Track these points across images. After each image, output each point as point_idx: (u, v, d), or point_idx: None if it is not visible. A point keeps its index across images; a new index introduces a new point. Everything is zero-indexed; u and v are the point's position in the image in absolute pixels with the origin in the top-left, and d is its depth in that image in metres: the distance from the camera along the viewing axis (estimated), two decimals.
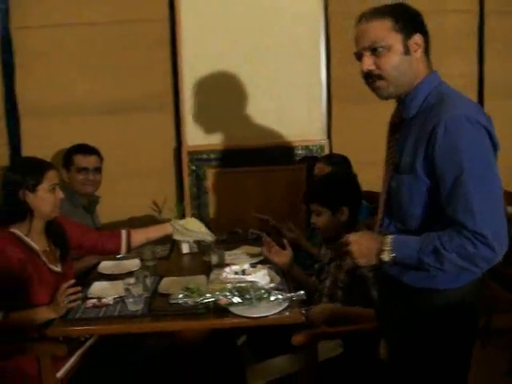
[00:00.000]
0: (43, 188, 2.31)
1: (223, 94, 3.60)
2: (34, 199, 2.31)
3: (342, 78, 3.65)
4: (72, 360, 2.34)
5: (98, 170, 3.21)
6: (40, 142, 3.51)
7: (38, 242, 2.37)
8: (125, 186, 3.70)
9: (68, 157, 3.16)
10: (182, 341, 2.51)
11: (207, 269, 2.76)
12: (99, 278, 2.74)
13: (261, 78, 3.60)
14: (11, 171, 2.34)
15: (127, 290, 2.29)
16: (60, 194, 2.38)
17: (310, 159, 3.63)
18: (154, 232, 2.86)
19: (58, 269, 2.42)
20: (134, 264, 2.89)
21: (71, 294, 2.26)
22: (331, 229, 2.48)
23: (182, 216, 3.62)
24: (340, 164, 3.17)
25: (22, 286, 2.26)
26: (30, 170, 2.31)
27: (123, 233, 2.78)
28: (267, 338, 2.45)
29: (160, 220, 3.72)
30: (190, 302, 2.21)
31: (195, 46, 3.55)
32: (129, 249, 2.80)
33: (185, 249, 3.13)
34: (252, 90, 3.60)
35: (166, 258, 3.07)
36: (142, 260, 2.93)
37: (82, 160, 3.15)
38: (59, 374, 2.27)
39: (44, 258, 2.37)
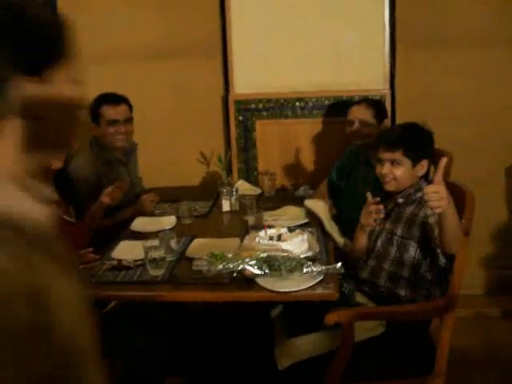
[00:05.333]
0: None
1: (274, 37, 3.27)
2: None
3: (410, 20, 3.24)
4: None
5: (129, 120, 2.93)
6: (86, 90, 3.33)
7: None
8: (171, 136, 3.50)
9: (95, 109, 2.88)
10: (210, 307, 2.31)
11: (245, 230, 2.55)
12: (130, 236, 2.57)
13: (315, 20, 3.24)
14: None
15: (146, 253, 2.10)
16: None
17: None
18: None
19: (71, 219, 2.34)
20: (169, 221, 2.71)
21: (89, 262, 2.10)
22: (406, 182, 2.24)
23: (229, 170, 3.41)
24: (383, 108, 2.97)
25: None
26: None
27: None
28: (304, 310, 2.21)
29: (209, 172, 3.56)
30: (212, 269, 1.99)
31: None
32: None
33: (225, 206, 2.91)
34: (306, 33, 3.25)
35: (204, 215, 2.87)
36: (178, 217, 2.75)
37: (111, 112, 2.87)
38: None
39: (59, 207, 2.28)
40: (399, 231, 2.23)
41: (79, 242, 2.34)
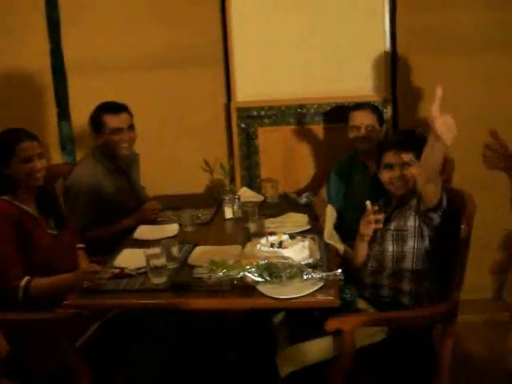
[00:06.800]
0: (16, 160, 2.26)
1: (275, 45, 3.30)
2: (11, 171, 2.27)
3: (411, 27, 3.24)
4: (92, 329, 2.23)
5: (132, 127, 2.95)
6: (87, 99, 3.33)
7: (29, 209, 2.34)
8: (174, 144, 3.52)
9: (97, 118, 2.91)
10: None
11: (247, 237, 2.55)
12: (133, 244, 2.58)
13: (316, 27, 3.26)
14: None
15: (148, 261, 2.11)
16: (37, 164, 2.28)
17: None
18: None
19: (54, 232, 2.38)
20: (172, 229, 2.72)
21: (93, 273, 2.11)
22: (412, 184, 2.24)
23: (232, 178, 3.42)
24: (382, 114, 3.02)
25: (24, 244, 2.21)
26: (1, 145, 2.29)
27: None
28: (306, 317, 2.21)
29: (212, 179, 3.55)
30: (213, 277, 2.00)
31: None
32: None
33: (228, 214, 2.92)
34: (307, 41, 3.28)
35: (206, 223, 2.88)
36: (180, 225, 2.76)
37: (114, 120, 2.88)
38: (78, 343, 2.15)
39: (39, 221, 2.33)
40: (392, 226, 2.26)
41: (68, 251, 2.43)
